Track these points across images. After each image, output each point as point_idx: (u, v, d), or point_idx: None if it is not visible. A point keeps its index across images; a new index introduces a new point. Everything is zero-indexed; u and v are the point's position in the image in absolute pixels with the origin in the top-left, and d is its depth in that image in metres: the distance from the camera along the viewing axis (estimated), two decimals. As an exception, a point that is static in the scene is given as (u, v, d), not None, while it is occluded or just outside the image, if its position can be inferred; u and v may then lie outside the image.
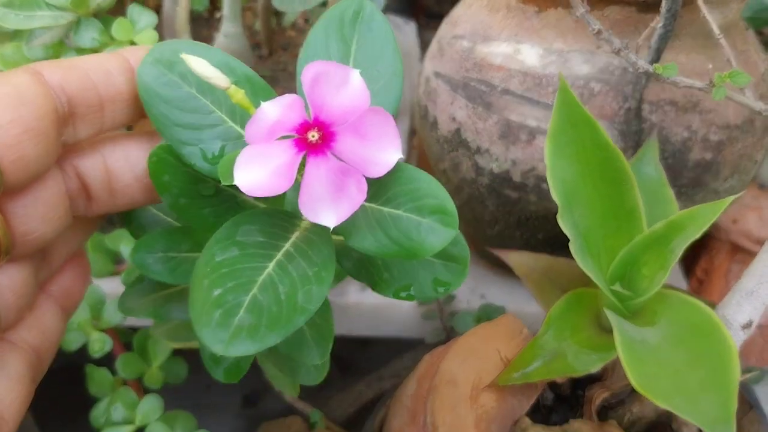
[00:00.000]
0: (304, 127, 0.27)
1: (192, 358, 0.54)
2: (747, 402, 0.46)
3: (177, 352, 0.54)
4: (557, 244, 0.56)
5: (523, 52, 0.52)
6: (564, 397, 0.48)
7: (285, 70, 0.73)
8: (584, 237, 0.42)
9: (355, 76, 0.27)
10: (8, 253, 0.29)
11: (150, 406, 0.48)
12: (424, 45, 0.69)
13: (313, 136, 0.27)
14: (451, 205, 0.29)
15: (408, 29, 0.82)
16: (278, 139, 0.27)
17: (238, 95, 0.29)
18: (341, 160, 0.28)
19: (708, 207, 0.40)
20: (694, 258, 0.70)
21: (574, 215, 0.42)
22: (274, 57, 0.75)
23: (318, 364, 0.39)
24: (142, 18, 0.54)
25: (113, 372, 0.52)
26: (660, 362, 0.39)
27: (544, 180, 0.52)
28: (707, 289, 0.68)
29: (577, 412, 0.47)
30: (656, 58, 0.48)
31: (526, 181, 0.53)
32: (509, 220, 0.57)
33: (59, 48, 0.54)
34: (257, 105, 0.27)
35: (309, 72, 0.27)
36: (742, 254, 0.67)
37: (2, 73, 0.29)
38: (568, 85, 0.40)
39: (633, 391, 0.45)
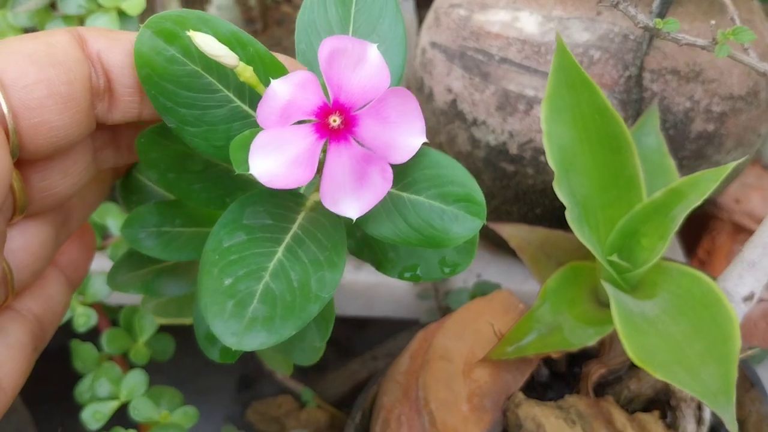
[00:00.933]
0: (324, 111, 0.26)
1: (184, 341, 0.53)
2: (748, 379, 0.44)
3: (165, 331, 0.52)
4: (555, 219, 0.55)
5: (521, 20, 0.50)
6: (560, 374, 0.46)
7: (279, 45, 0.72)
8: (581, 206, 0.41)
9: (373, 52, 0.26)
10: (24, 210, 0.27)
11: (135, 381, 0.47)
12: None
13: (335, 120, 0.26)
14: (478, 193, 0.28)
15: (406, 6, 0.80)
16: (295, 123, 0.26)
17: (247, 73, 0.26)
18: (363, 145, 0.26)
19: (709, 173, 0.39)
20: (696, 239, 0.68)
21: (571, 183, 0.40)
22: (268, 32, 0.74)
23: (311, 351, 0.37)
24: (130, -16, 0.52)
25: (99, 349, 0.51)
26: (659, 334, 0.37)
27: (542, 152, 0.51)
28: (709, 269, 0.67)
29: (574, 389, 0.45)
30: (658, 26, 0.46)
31: (523, 154, 0.51)
32: (506, 195, 0.55)
33: (45, 15, 0.53)
34: (268, 84, 0.25)
35: (325, 48, 0.25)
36: (745, 234, 0.65)
37: (44, 31, 0.27)
38: (566, 45, 0.39)
39: (630, 367, 0.44)
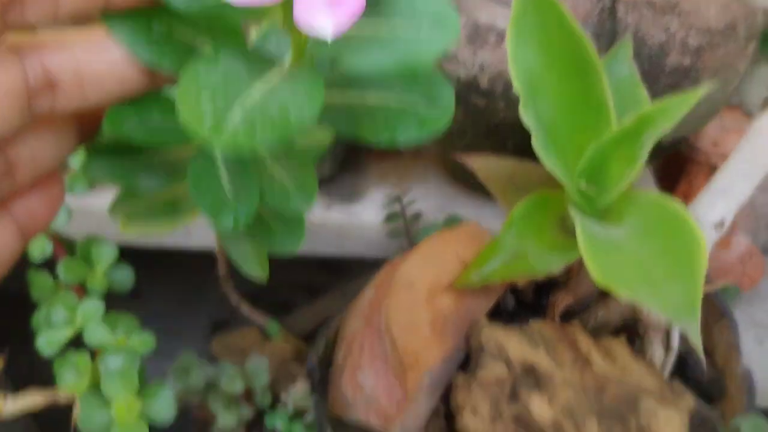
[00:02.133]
0: None
1: (155, 281, 0.51)
2: (718, 310, 0.44)
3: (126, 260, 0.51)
4: (526, 153, 0.54)
5: (494, -53, 0.49)
6: (527, 304, 0.45)
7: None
8: (548, 130, 0.40)
9: None
10: None
11: (91, 308, 0.46)
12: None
13: None
14: (449, 10, 0.26)
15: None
16: None
17: None
18: None
19: (679, 99, 0.38)
20: (673, 181, 0.67)
21: (537, 107, 0.39)
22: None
23: (294, 230, 0.36)
24: None
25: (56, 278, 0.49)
26: (624, 257, 0.37)
27: (513, 86, 0.50)
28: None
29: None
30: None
31: (494, 87, 0.50)
32: (478, 130, 0.54)
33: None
34: None
35: None
36: (722, 179, 0.64)
37: None
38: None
39: (598, 295, 0.43)
